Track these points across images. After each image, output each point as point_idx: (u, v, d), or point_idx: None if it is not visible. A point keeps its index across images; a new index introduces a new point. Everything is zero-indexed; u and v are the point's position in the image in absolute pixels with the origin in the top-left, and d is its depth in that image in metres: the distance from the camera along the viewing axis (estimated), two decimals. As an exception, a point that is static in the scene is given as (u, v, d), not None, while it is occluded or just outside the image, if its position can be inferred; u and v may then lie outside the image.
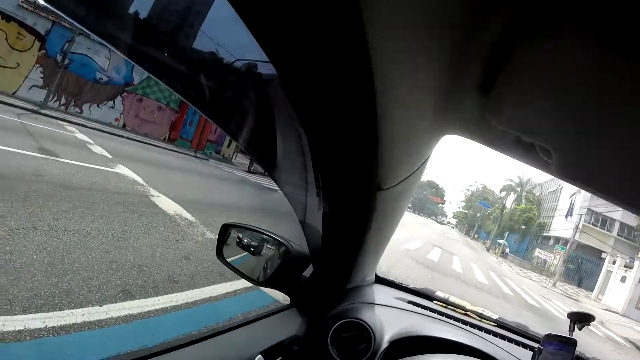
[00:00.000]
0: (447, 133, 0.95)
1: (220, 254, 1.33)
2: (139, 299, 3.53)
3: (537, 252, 36.62)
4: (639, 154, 0.55)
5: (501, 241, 43.18)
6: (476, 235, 69.09)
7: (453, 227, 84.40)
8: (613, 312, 21.73)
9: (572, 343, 1.37)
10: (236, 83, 0.84)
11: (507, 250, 40.50)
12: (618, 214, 31.73)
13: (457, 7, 0.50)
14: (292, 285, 1.34)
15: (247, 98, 0.90)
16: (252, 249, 1.33)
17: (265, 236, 1.32)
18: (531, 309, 11.37)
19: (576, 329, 1.60)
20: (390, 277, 1.94)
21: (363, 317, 1.33)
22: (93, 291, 3.36)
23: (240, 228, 1.35)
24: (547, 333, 1.38)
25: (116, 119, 18.96)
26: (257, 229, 1.34)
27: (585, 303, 22.29)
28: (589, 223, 32.81)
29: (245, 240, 1.34)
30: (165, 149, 14.81)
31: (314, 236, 1.24)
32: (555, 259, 31.43)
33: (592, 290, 28.66)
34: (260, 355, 1.11)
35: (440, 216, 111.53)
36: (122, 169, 8.34)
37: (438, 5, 0.50)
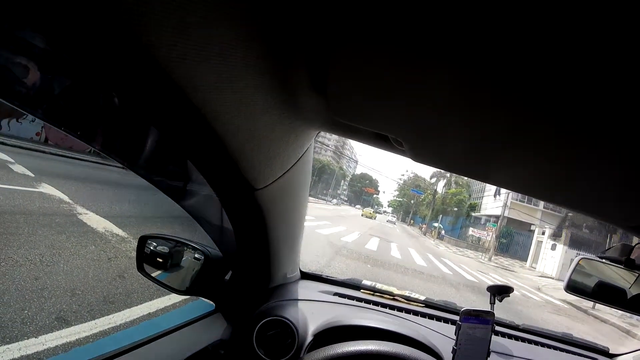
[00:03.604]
0: (314, 130, 0.99)
1: (141, 267, 1.30)
2: (75, 324, 3.34)
3: (471, 231, 38.39)
4: (472, 138, 0.67)
5: (436, 224, 45.28)
6: (412, 221, 72.22)
7: (389, 215, 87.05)
8: (548, 277, 23.07)
9: (490, 315, 1.45)
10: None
11: (443, 232, 42.30)
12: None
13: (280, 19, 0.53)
14: (214, 290, 1.34)
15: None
16: (171, 259, 1.32)
17: (183, 244, 1.31)
18: (470, 285, 11.89)
19: (497, 301, 1.71)
20: (328, 272, 1.96)
21: (285, 314, 1.36)
22: (27, 322, 3.15)
23: (158, 239, 1.33)
24: (464, 309, 1.43)
25: (37, 134, 17.70)
26: (175, 238, 1.33)
27: (521, 272, 23.68)
28: (517, 200, 34.71)
29: (165, 251, 1.32)
30: (92, 162, 14.06)
31: (226, 240, 1.25)
32: (488, 235, 33.23)
33: (525, 260, 30.48)
34: None
35: (376, 206, 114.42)
36: (46, 188, 7.77)
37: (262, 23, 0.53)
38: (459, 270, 15.23)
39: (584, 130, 0.54)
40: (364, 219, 39.60)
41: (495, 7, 0.39)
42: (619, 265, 1.24)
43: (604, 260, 1.33)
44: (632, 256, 1.21)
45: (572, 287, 1.44)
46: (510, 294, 1.72)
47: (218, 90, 0.61)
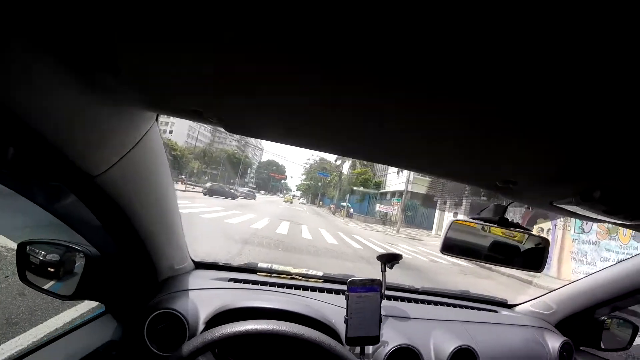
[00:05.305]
0: (142, 111, 0.92)
1: (23, 277, 1.21)
2: (-21, 353, 2.97)
3: (378, 207, 39.54)
4: (291, 106, 0.69)
5: (344, 204, 46.63)
6: (321, 203, 74.81)
7: (299, 199, 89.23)
8: (453, 242, 24.54)
9: (377, 283, 1.52)
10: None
11: (351, 210, 43.63)
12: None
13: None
14: (101, 291, 1.30)
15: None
16: (63, 267, 1.25)
17: (65, 246, 1.25)
18: (381, 257, 12.13)
19: (387, 268, 1.76)
20: (240, 261, 1.94)
21: (174, 305, 1.36)
22: None
23: (38, 244, 1.25)
24: (350, 279, 1.48)
25: None
26: (55, 241, 1.26)
27: (428, 240, 25.30)
28: (419, 175, 36.13)
29: (55, 259, 1.25)
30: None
31: (101, 237, 1.21)
32: (394, 210, 34.98)
33: (431, 229, 32.40)
34: None
35: (285, 191, 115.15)
36: None
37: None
38: (369, 244, 15.66)
39: (432, 94, 0.51)
40: (273, 205, 40.90)
41: None
42: (493, 225, 1.28)
43: (477, 221, 1.37)
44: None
45: (447, 248, 1.48)
46: (400, 261, 1.83)
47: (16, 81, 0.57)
